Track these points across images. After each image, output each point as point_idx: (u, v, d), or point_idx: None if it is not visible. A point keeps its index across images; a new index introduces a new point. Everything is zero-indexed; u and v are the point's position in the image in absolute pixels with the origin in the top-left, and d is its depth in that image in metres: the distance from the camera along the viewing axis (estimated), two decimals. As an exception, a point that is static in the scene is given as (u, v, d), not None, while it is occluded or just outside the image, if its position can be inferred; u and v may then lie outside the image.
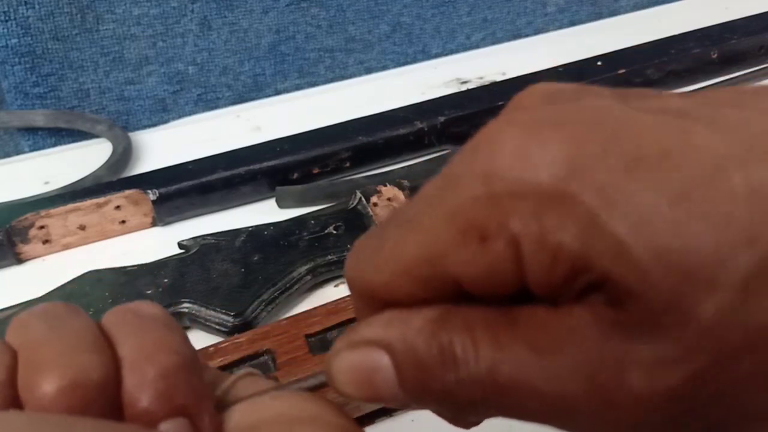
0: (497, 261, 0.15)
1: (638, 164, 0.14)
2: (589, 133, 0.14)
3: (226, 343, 0.33)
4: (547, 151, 0.14)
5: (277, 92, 0.63)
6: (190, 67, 0.58)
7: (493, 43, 0.70)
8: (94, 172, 0.49)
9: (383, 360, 0.17)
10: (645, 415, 0.14)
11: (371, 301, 0.18)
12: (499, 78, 0.61)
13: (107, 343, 0.17)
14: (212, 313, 0.36)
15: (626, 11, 0.74)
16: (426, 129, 0.51)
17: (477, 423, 0.19)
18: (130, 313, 0.19)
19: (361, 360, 0.17)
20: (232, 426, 0.18)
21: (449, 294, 0.16)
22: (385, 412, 0.33)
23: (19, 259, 0.43)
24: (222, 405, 0.18)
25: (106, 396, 0.16)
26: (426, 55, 0.67)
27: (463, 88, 0.60)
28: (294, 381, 0.20)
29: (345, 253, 0.40)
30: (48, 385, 0.15)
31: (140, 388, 0.16)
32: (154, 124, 0.59)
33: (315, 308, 0.34)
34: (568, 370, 0.15)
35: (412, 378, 0.16)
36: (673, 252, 0.13)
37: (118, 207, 0.45)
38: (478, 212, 0.15)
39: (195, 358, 0.18)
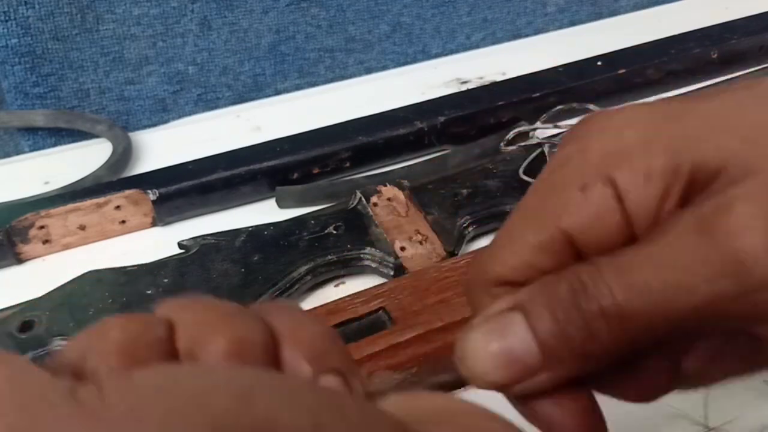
0: (601, 200, 0.18)
1: (704, 116, 0.18)
2: (660, 109, 0.19)
3: (226, 343, 0.33)
4: (631, 122, 0.19)
5: (277, 92, 0.62)
6: (190, 67, 0.58)
7: (493, 43, 0.70)
8: (94, 172, 0.49)
9: (516, 319, 0.18)
10: (754, 232, 0.16)
11: (493, 289, 0.19)
12: (499, 78, 0.61)
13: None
14: (212, 313, 0.36)
15: (626, 11, 0.74)
16: (426, 129, 0.51)
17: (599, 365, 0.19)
18: (266, 303, 0.20)
19: (492, 327, 0.18)
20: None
21: (566, 259, 0.18)
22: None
23: (19, 259, 0.43)
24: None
25: (267, 357, 0.16)
26: (426, 55, 0.67)
27: (463, 88, 0.60)
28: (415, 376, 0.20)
29: (345, 253, 0.40)
30: (217, 343, 0.15)
31: (298, 351, 0.17)
32: (154, 124, 0.59)
33: (315, 308, 0.34)
34: (680, 237, 0.17)
35: (548, 324, 0.17)
36: (739, 128, 0.17)
37: (118, 207, 0.45)
38: (577, 174, 0.18)
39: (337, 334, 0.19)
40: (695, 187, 0.17)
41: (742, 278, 0.16)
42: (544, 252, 0.18)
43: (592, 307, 0.17)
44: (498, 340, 0.18)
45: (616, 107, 0.20)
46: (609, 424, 0.31)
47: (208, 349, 0.15)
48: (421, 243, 0.40)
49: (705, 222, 0.16)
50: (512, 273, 0.19)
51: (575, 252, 0.18)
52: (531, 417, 0.19)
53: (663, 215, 0.18)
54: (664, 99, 0.20)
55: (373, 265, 0.40)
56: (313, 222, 0.42)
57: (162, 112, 0.59)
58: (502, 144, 0.48)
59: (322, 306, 0.34)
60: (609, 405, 0.32)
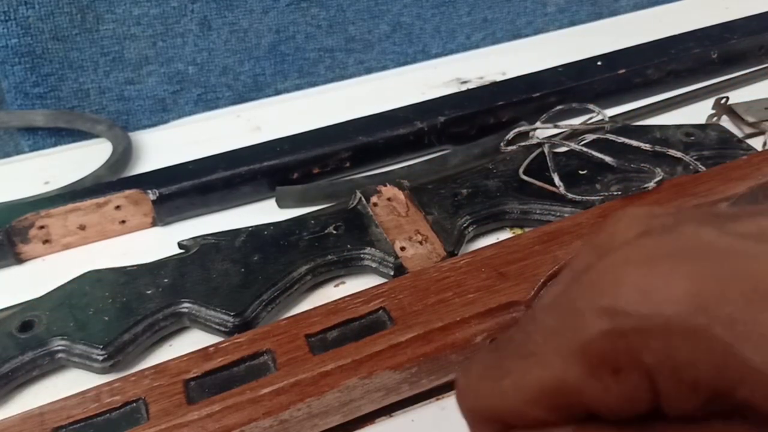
0: (632, 391, 0.16)
1: (756, 295, 0.15)
2: (705, 268, 0.16)
3: (226, 343, 0.33)
4: (671, 288, 0.15)
5: (277, 92, 0.63)
6: (190, 67, 0.58)
7: (493, 43, 0.70)
8: (94, 172, 0.49)
9: None
10: None
11: (494, 425, 0.18)
12: (499, 78, 0.61)
13: None
14: (212, 313, 0.36)
15: (626, 11, 0.74)
16: (426, 129, 0.51)
17: None
18: None
19: None
20: None
21: (579, 416, 0.17)
22: (385, 412, 0.33)
23: (19, 259, 0.43)
24: None
25: None
26: (426, 55, 0.67)
27: (463, 88, 0.60)
28: None
29: (345, 253, 0.40)
30: None
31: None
32: (154, 124, 0.59)
33: (315, 308, 0.34)
34: None
35: None
36: None
37: (118, 207, 0.45)
38: (607, 347, 0.16)
39: None
40: (748, 412, 0.15)
41: None
42: (560, 414, 0.17)
43: None
44: None
45: (643, 223, 0.18)
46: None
47: None
48: (421, 243, 0.40)
49: None
50: (520, 422, 0.17)
51: (588, 411, 0.17)
52: None
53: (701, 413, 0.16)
54: (711, 232, 0.16)
55: (373, 265, 0.40)
56: (313, 222, 0.42)
57: (162, 112, 0.59)
58: (502, 144, 0.48)
59: (322, 306, 0.34)
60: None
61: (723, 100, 0.52)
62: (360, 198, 0.43)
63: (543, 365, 0.17)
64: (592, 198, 0.41)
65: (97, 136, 0.55)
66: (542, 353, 0.17)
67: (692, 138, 0.47)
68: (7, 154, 0.56)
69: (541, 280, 0.34)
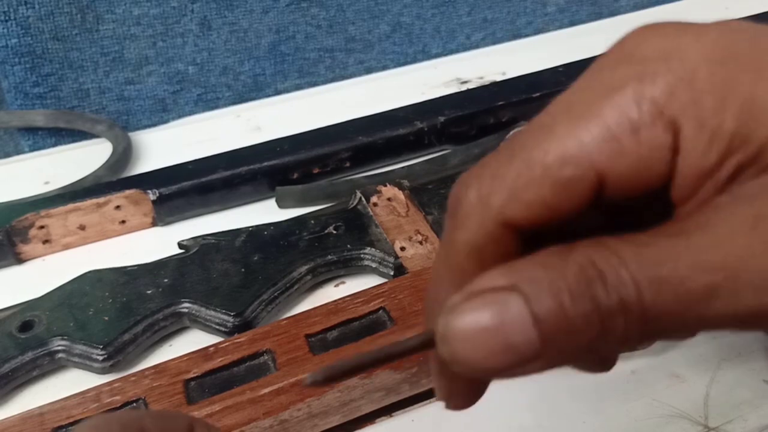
0: (653, 150, 0.15)
1: None
2: (731, 30, 0.16)
3: (227, 343, 0.33)
4: (699, 42, 0.16)
5: (277, 92, 0.63)
6: (190, 67, 0.58)
7: (493, 43, 0.70)
8: (94, 172, 0.49)
9: (513, 303, 0.15)
10: None
11: (484, 221, 0.17)
12: (499, 78, 0.61)
13: None
14: (212, 313, 0.36)
15: (626, 11, 0.74)
16: (426, 129, 0.51)
17: (612, 364, 0.18)
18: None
19: (485, 308, 0.15)
20: None
21: (583, 206, 0.16)
22: (385, 412, 0.33)
23: (19, 259, 0.43)
24: None
25: None
26: (426, 55, 0.67)
27: (463, 88, 0.60)
28: (396, 343, 0.17)
29: (345, 253, 0.40)
30: None
31: None
32: (154, 124, 0.59)
33: (315, 308, 0.34)
34: (729, 232, 0.14)
35: (552, 310, 0.15)
36: None
37: (118, 207, 0.45)
38: (632, 107, 0.16)
39: None
40: (759, 165, 0.15)
41: None
42: (569, 193, 0.16)
43: (611, 301, 0.14)
44: (492, 323, 0.15)
45: (677, 21, 0.17)
46: (609, 425, 0.31)
47: None
48: (421, 243, 0.40)
49: (761, 223, 0.14)
50: (522, 210, 0.16)
51: (598, 198, 0.16)
52: (443, 382, 0.19)
53: (709, 185, 0.16)
54: (748, 25, 0.17)
55: (373, 265, 0.40)
56: (313, 222, 0.42)
57: (162, 112, 0.59)
58: (502, 144, 0.48)
59: (322, 306, 0.34)
60: (610, 406, 0.32)
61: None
62: (360, 198, 0.43)
63: (556, 134, 0.16)
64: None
65: (97, 136, 0.55)
66: (558, 122, 0.17)
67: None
68: (7, 154, 0.56)
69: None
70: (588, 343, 0.15)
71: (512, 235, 0.17)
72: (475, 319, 0.15)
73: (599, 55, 0.17)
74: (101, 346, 0.34)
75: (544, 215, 0.16)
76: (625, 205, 0.17)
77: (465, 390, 0.19)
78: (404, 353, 0.17)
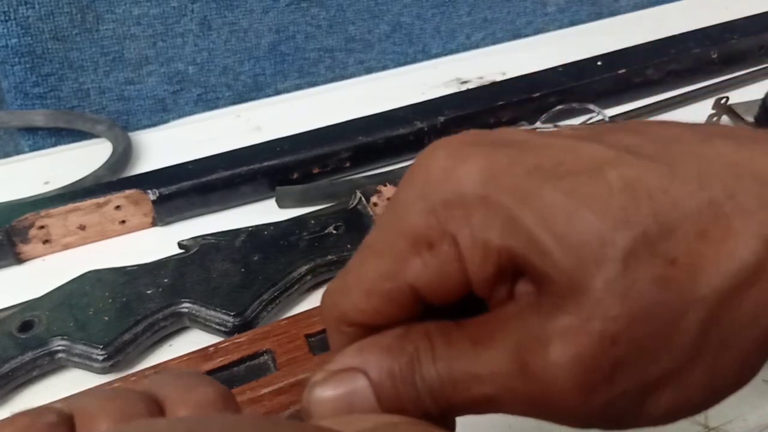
0: (445, 262, 0.18)
1: (537, 170, 0.17)
2: (499, 149, 0.18)
3: (227, 343, 0.33)
4: (468, 165, 0.18)
5: (277, 92, 0.63)
6: (190, 67, 0.58)
7: (493, 43, 0.70)
8: (94, 172, 0.49)
9: (360, 382, 0.18)
10: (564, 383, 0.16)
11: (343, 327, 0.20)
12: (499, 78, 0.61)
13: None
14: (212, 313, 0.36)
15: (626, 11, 0.74)
16: (426, 129, 0.51)
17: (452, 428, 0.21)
18: (161, 374, 0.20)
19: (339, 386, 0.18)
20: None
21: (411, 309, 0.19)
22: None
23: (19, 259, 0.43)
24: None
25: None
26: (426, 55, 0.67)
27: (463, 88, 0.60)
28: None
29: (345, 253, 0.40)
30: (105, 422, 0.17)
31: (184, 414, 0.18)
32: (154, 124, 0.59)
33: (315, 308, 0.34)
34: (500, 354, 0.17)
35: (388, 391, 0.18)
36: (569, 236, 0.16)
37: (118, 207, 0.45)
38: (422, 224, 0.18)
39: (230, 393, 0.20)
40: (530, 276, 0.17)
41: (550, 411, 0.17)
42: (393, 302, 0.19)
43: (424, 389, 0.18)
44: (344, 400, 0.18)
45: (461, 134, 0.20)
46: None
47: (99, 428, 0.17)
48: (421, 243, 0.40)
49: (520, 351, 0.17)
50: (362, 316, 0.19)
51: (422, 301, 0.19)
52: None
53: (500, 289, 0.18)
54: (518, 132, 0.19)
55: (373, 265, 0.40)
56: (313, 222, 0.42)
57: (162, 112, 0.59)
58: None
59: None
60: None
61: (723, 100, 0.52)
62: (360, 198, 0.43)
63: (376, 254, 0.19)
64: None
65: (97, 136, 0.55)
66: (375, 244, 0.19)
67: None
68: (7, 154, 0.56)
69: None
70: (416, 416, 0.18)
71: (369, 332, 0.20)
72: (331, 396, 0.18)
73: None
74: (101, 346, 0.34)
75: (381, 320, 0.19)
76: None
77: None
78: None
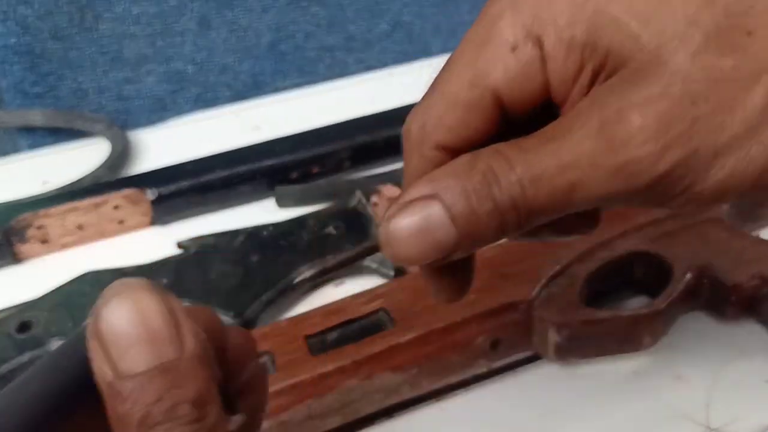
0: (528, 63, 0.19)
1: None
2: None
3: (225, 344, 0.33)
4: None
5: (277, 91, 0.62)
6: (189, 66, 0.58)
7: (494, 41, 0.69)
8: (93, 171, 0.49)
9: (434, 207, 0.19)
10: (644, 145, 0.18)
11: (426, 150, 0.21)
12: (500, 77, 0.61)
13: None
14: (211, 313, 0.36)
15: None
16: (426, 128, 0.51)
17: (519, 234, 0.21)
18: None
19: (414, 213, 0.19)
20: None
21: (493, 120, 0.20)
22: (384, 413, 0.32)
23: (17, 259, 0.43)
24: None
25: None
26: (426, 53, 0.67)
27: (464, 87, 0.60)
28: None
29: (345, 254, 0.39)
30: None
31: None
32: (153, 123, 0.58)
33: (315, 309, 0.34)
34: (584, 136, 0.18)
35: (463, 209, 0.19)
36: (655, 20, 0.18)
37: (116, 207, 0.44)
38: (509, 31, 0.20)
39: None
40: (609, 68, 0.19)
41: (631, 183, 0.18)
42: (476, 110, 0.20)
43: (504, 198, 0.19)
44: (420, 226, 0.19)
45: None
46: (611, 426, 0.31)
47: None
48: (421, 243, 0.40)
49: (604, 127, 0.18)
50: (445, 133, 0.20)
51: (503, 112, 0.20)
52: (432, 280, 0.23)
53: (576, 89, 0.20)
54: None
55: (374, 265, 0.39)
56: (312, 222, 0.42)
57: (161, 111, 0.59)
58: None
59: (321, 306, 0.34)
60: (612, 407, 0.32)
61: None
62: (360, 198, 0.43)
63: (461, 66, 0.21)
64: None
65: (96, 136, 0.55)
66: (460, 58, 0.21)
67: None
68: (5, 154, 0.56)
69: (543, 280, 0.34)
70: (493, 232, 0.19)
71: (449, 155, 0.21)
72: (407, 224, 0.19)
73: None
74: (99, 347, 0.34)
75: (465, 134, 0.20)
76: (529, 121, 0.21)
77: (450, 286, 0.23)
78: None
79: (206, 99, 0.60)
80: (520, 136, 0.20)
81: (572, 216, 0.20)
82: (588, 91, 0.19)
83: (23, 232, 0.42)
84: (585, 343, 0.33)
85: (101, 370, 0.16)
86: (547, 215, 0.19)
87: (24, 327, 0.36)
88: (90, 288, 0.37)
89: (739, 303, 0.34)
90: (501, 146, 0.19)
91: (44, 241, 0.43)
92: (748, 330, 0.34)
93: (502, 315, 0.33)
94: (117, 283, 0.18)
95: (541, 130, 0.19)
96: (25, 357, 0.34)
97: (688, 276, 0.34)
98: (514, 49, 0.20)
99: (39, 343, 0.35)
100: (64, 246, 0.44)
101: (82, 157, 0.52)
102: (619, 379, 0.33)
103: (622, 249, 0.35)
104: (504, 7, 0.20)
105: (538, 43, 0.19)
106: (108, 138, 0.54)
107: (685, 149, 0.18)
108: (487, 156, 0.19)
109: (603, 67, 0.19)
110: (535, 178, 0.18)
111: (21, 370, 0.35)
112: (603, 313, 0.33)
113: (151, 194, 0.44)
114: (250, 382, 0.20)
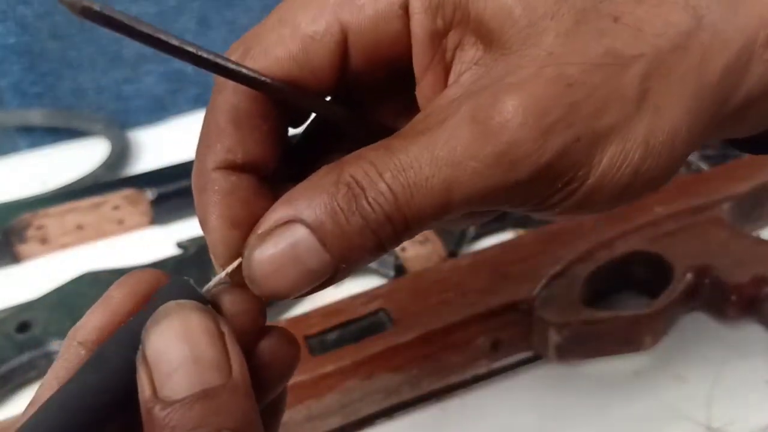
0: (387, 6, 0.18)
1: None
2: None
3: (225, 345, 0.32)
4: None
5: (276, 91, 0.62)
6: (188, 66, 0.58)
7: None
8: (92, 171, 0.49)
9: (299, 231, 0.17)
10: (521, 128, 0.16)
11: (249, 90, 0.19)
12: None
13: None
14: (211, 313, 0.36)
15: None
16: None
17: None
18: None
19: (279, 242, 0.17)
20: None
21: (334, 65, 0.18)
22: (384, 414, 0.32)
23: (17, 259, 0.43)
24: None
25: None
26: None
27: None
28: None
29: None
30: None
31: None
32: (152, 123, 0.58)
33: (314, 309, 0.34)
34: (457, 125, 0.16)
35: (332, 231, 0.16)
36: None
37: (115, 207, 0.44)
38: None
39: None
40: (476, 38, 0.18)
41: (513, 174, 0.16)
42: (318, 45, 0.18)
43: (376, 211, 0.16)
44: (288, 255, 0.17)
45: None
46: (613, 426, 0.31)
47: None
48: (421, 243, 0.40)
49: (478, 111, 0.16)
50: (281, 64, 0.18)
51: (345, 57, 0.18)
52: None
53: (438, 56, 0.18)
54: None
55: (374, 265, 0.39)
56: (312, 222, 0.42)
57: (160, 111, 0.59)
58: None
59: (321, 307, 0.34)
60: (613, 407, 0.32)
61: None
62: (360, 197, 0.43)
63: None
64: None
65: (95, 135, 0.55)
66: None
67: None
68: (4, 154, 0.56)
69: (544, 281, 0.33)
70: (372, 249, 0.17)
71: (268, 100, 0.19)
72: (271, 256, 0.17)
73: None
74: (99, 348, 0.34)
75: (294, 71, 0.18)
76: (378, 94, 0.19)
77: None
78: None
79: (206, 98, 0.59)
80: (363, 120, 0.18)
81: None
82: (449, 62, 0.18)
83: (23, 232, 0.42)
84: (585, 343, 0.33)
85: (143, 394, 0.15)
86: (427, 222, 0.17)
87: (23, 327, 0.36)
88: (89, 288, 0.37)
89: (739, 303, 0.34)
90: (365, 151, 0.17)
91: (44, 241, 0.43)
92: (748, 330, 0.34)
93: (502, 315, 0.33)
94: (171, 303, 0.17)
95: (410, 123, 0.18)
96: (25, 357, 0.34)
97: (689, 276, 0.34)
98: None
99: (38, 342, 0.35)
100: (64, 246, 0.44)
101: (82, 157, 0.52)
102: (619, 379, 0.33)
103: (622, 249, 0.35)
104: None
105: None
106: (107, 138, 0.53)
107: (565, 136, 0.16)
108: (350, 164, 0.17)
109: (470, 35, 0.18)
110: (408, 183, 0.16)
111: (21, 370, 0.35)
112: (603, 314, 0.33)
113: (150, 194, 0.44)
114: (276, 403, 0.19)
